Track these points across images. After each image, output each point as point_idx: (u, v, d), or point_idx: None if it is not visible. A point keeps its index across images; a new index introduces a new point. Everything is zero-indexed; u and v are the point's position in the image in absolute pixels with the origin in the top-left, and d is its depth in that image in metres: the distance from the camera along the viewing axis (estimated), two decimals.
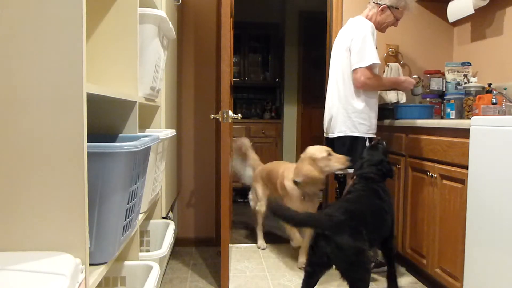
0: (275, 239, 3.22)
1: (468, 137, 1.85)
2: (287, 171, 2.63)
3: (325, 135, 2.67)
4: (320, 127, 3.06)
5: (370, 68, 2.34)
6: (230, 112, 2.25)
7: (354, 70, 2.35)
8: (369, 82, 2.34)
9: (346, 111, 2.42)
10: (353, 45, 2.36)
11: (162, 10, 2.08)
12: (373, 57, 2.32)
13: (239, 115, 2.42)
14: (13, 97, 0.89)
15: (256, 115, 5.51)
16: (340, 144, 2.47)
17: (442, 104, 2.78)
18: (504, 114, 2.10)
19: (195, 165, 3.08)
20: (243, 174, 3.26)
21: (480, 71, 2.79)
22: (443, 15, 3.01)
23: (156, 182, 1.81)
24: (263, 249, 3.00)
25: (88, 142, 0.96)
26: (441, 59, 3.07)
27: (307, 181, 2.45)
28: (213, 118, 2.38)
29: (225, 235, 2.27)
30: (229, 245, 3.02)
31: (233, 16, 2.92)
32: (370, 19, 2.46)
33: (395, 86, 2.58)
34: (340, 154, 2.45)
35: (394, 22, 2.51)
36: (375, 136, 2.46)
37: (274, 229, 3.44)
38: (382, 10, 2.46)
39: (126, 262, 1.47)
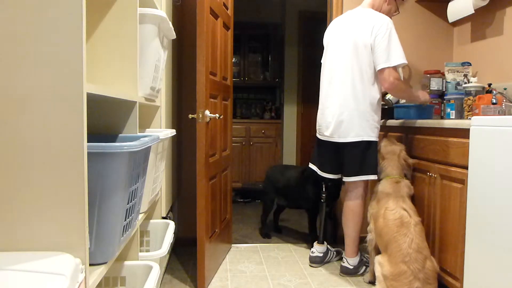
0: (276, 238, 3.22)
1: (468, 137, 1.85)
2: None
3: (327, 139, 2.42)
4: None
5: (396, 68, 2.23)
6: (207, 112, 2.24)
7: (381, 70, 2.22)
8: (397, 84, 2.21)
9: (364, 113, 2.27)
10: (378, 43, 2.21)
11: (162, 10, 2.08)
12: (400, 56, 2.21)
13: (217, 114, 2.38)
14: (13, 97, 0.89)
15: (256, 115, 5.51)
16: (352, 149, 2.31)
17: (442, 104, 2.78)
18: (504, 114, 2.10)
19: (195, 165, 3.07)
20: None
21: (480, 71, 2.79)
22: (443, 15, 3.01)
23: (156, 182, 1.81)
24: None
25: (88, 142, 0.96)
26: (441, 59, 3.07)
27: None
28: (191, 117, 2.31)
29: (201, 235, 2.28)
30: (232, 245, 3.03)
31: (233, 16, 2.92)
32: (376, 10, 2.37)
33: (412, 99, 2.44)
34: (352, 159, 2.33)
35: (393, 13, 2.48)
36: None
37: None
38: None
39: (126, 262, 1.47)
